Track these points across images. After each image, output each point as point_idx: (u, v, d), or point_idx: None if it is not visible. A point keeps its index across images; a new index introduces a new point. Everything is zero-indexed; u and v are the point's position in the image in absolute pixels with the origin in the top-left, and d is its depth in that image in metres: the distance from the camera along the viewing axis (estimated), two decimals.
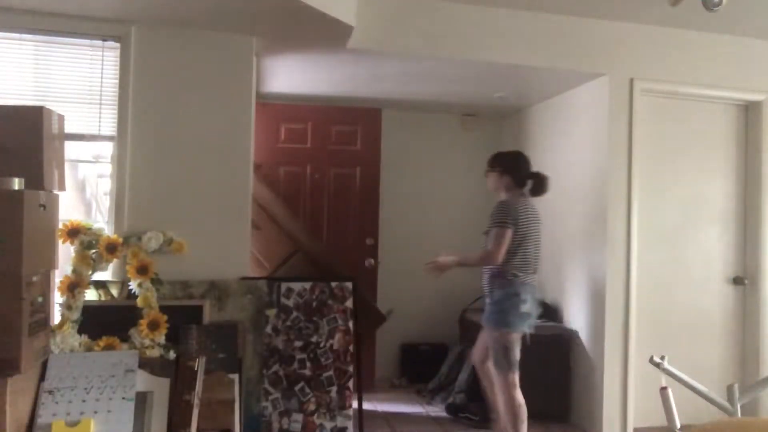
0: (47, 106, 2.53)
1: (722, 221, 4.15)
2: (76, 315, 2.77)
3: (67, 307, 2.76)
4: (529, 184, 3.37)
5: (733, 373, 4.09)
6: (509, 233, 3.17)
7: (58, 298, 2.77)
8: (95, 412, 2.39)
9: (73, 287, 2.78)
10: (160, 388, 2.54)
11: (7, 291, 2.13)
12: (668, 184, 4.06)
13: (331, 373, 3.24)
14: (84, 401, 2.41)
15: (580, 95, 4.17)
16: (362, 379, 3.47)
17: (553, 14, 3.72)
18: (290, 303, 3.26)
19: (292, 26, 3.17)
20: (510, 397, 3.18)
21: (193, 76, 3.22)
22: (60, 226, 2.71)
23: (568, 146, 4.33)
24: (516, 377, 3.19)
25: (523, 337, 3.25)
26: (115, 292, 3.01)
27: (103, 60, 3.16)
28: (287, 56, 3.72)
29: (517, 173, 3.35)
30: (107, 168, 3.23)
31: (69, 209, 3.09)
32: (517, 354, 3.19)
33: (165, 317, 2.86)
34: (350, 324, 3.31)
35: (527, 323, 3.21)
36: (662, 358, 2.82)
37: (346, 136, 4.75)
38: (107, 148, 3.19)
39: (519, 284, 3.20)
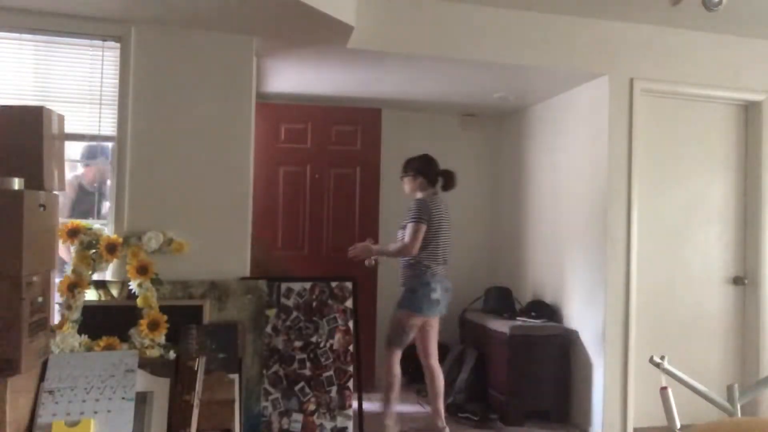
0: (47, 106, 2.53)
1: (722, 221, 4.16)
2: (76, 315, 2.77)
3: (67, 307, 2.76)
4: (440, 181, 3.71)
5: (733, 373, 4.10)
6: (424, 228, 3.51)
7: (58, 298, 2.77)
8: (95, 412, 2.39)
9: (73, 287, 2.78)
10: (160, 388, 2.54)
11: (7, 291, 2.13)
12: (668, 184, 4.06)
13: (331, 373, 3.24)
14: (84, 401, 2.41)
15: (580, 95, 4.17)
16: (362, 379, 3.46)
17: (553, 14, 3.72)
18: (290, 303, 3.26)
19: (292, 26, 3.17)
20: (390, 369, 3.63)
21: (193, 76, 3.22)
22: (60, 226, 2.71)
23: (568, 146, 4.33)
24: (399, 354, 3.63)
25: (428, 322, 3.67)
26: (115, 292, 3.01)
27: (103, 60, 3.16)
28: (287, 56, 3.72)
29: (429, 173, 3.69)
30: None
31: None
32: (410, 337, 3.63)
33: (165, 317, 2.86)
34: (350, 324, 3.31)
35: (436, 309, 3.61)
36: (662, 358, 2.81)
37: (346, 136, 4.74)
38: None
39: (430, 275, 3.56)
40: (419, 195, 3.68)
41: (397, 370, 3.63)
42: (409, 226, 3.53)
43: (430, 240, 3.55)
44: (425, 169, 3.69)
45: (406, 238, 3.53)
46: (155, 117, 3.16)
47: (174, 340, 2.90)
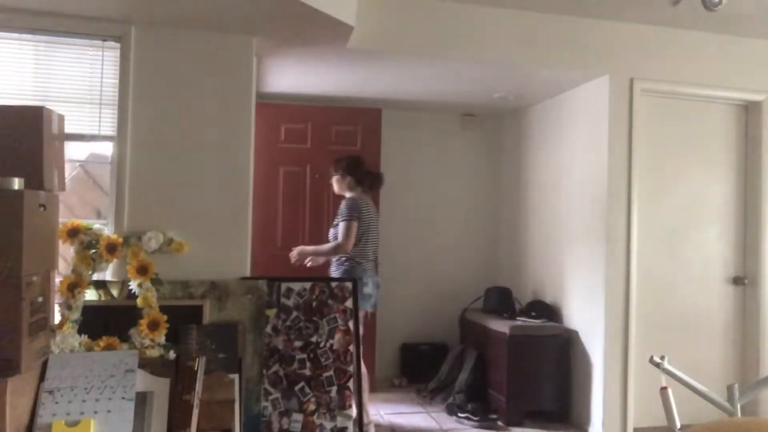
0: (47, 106, 2.53)
1: (722, 221, 4.16)
2: (76, 315, 2.77)
3: (67, 307, 2.76)
4: (368, 182, 3.84)
5: (733, 373, 4.10)
6: (356, 225, 3.63)
7: (58, 298, 2.77)
8: (95, 412, 2.39)
9: (73, 287, 2.78)
10: (160, 388, 2.54)
11: (7, 291, 2.13)
12: (668, 184, 4.07)
13: (331, 373, 3.24)
14: (84, 401, 2.41)
15: (580, 95, 4.18)
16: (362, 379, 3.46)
17: (553, 14, 3.72)
18: (290, 303, 3.26)
19: (292, 26, 3.17)
20: None
21: (193, 76, 3.21)
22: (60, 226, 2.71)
23: (568, 146, 4.33)
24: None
25: (365, 315, 3.74)
26: (115, 292, 3.01)
27: (103, 60, 3.16)
28: (287, 56, 3.72)
29: (356, 173, 3.81)
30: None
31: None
32: (360, 330, 3.53)
33: (165, 317, 2.86)
34: (350, 324, 3.31)
35: (368, 303, 3.68)
36: (662, 358, 2.82)
37: (346, 136, 4.75)
38: (107, 148, 3.19)
39: (361, 270, 3.66)
40: (348, 194, 3.80)
41: (362, 367, 3.58)
42: (342, 225, 3.63)
43: (360, 237, 3.66)
44: (353, 170, 3.81)
45: (340, 237, 3.62)
46: (155, 117, 3.16)
47: (174, 340, 2.90)
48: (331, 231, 3.77)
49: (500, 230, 5.34)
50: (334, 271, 3.74)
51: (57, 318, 2.75)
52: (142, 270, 2.90)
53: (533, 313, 4.33)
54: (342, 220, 3.65)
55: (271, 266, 4.35)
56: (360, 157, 3.92)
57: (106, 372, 2.49)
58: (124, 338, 2.83)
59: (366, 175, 3.84)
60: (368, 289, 3.66)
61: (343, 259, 3.68)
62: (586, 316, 4.03)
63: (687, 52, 3.95)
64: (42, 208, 2.31)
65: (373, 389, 4.62)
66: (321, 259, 3.81)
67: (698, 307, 4.09)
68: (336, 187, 3.91)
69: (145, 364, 2.59)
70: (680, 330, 4.04)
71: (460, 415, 4.15)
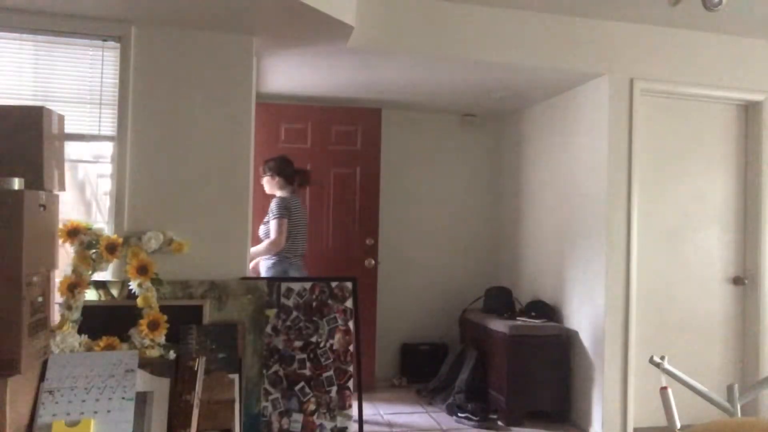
0: (47, 106, 2.53)
1: (722, 221, 4.16)
2: (76, 315, 2.77)
3: (67, 307, 2.76)
4: (297, 180, 4.03)
5: (733, 373, 4.10)
6: (286, 222, 3.82)
7: (58, 298, 2.77)
8: (95, 412, 2.39)
9: (73, 287, 2.78)
10: (160, 388, 2.55)
11: (7, 291, 2.13)
12: (668, 184, 4.06)
13: (331, 373, 3.24)
14: (84, 401, 2.41)
15: (580, 95, 4.18)
16: (362, 379, 3.46)
17: (553, 14, 3.72)
18: (290, 303, 3.26)
19: (292, 26, 3.17)
20: None
21: (193, 76, 3.22)
22: (60, 226, 2.71)
23: (567, 146, 4.33)
24: None
25: None
26: (115, 292, 3.01)
27: (103, 60, 3.16)
28: (287, 56, 3.72)
29: (285, 173, 3.98)
30: (107, 168, 3.23)
31: (69, 209, 3.09)
32: None
33: (165, 317, 2.86)
34: (350, 324, 3.31)
35: None
36: (662, 358, 2.82)
37: (346, 136, 4.75)
38: (107, 148, 3.19)
39: (288, 264, 3.86)
40: (279, 193, 3.96)
41: None
42: (273, 223, 3.81)
43: (290, 234, 3.83)
44: (281, 170, 3.97)
45: (273, 234, 3.80)
46: (155, 117, 3.16)
47: (174, 340, 2.90)
48: (262, 228, 3.93)
49: (500, 230, 5.34)
50: (265, 266, 3.88)
51: (57, 318, 2.75)
52: (142, 270, 2.91)
53: (533, 313, 4.33)
54: (273, 218, 3.82)
55: None
56: (287, 157, 4.05)
57: (106, 372, 2.49)
58: (124, 338, 2.83)
59: (294, 175, 4.00)
60: None
61: (273, 254, 3.83)
62: (586, 316, 4.03)
63: (687, 52, 3.95)
64: (42, 208, 2.31)
65: (373, 389, 4.63)
66: (257, 259, 3.91)
67: (698, 307, 4.09)
68: (267, 187, 4.04)
69: (145, 364, 2.59)
70: (680, 330, 4.04)
71: (460, 415, 4.15)
